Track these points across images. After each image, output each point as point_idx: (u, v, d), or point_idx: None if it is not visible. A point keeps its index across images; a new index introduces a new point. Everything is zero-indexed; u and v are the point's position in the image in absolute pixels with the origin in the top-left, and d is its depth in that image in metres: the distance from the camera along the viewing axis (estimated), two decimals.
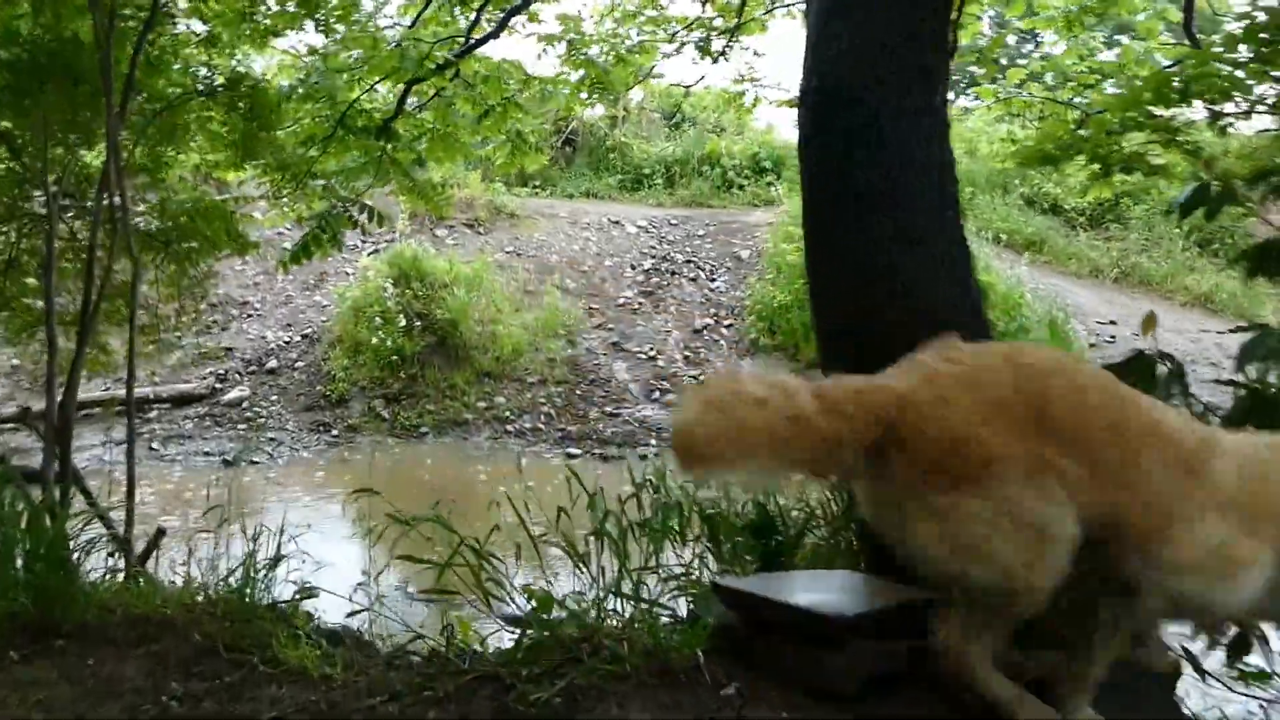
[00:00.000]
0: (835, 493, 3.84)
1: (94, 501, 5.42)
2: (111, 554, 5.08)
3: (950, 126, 3.67)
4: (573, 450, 13.29)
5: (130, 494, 5.57)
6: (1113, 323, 16.59)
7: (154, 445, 12.78)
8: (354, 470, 12.53)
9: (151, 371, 13.50)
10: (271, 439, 13.27)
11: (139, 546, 5.74)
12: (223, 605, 3.99)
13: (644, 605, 3.43)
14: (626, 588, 3.52)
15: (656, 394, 14.86)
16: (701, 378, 15.08)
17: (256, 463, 12.59)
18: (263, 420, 13.71)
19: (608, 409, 14.41)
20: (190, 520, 9.88)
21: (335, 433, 13.64)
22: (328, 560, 8.86)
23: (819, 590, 3.11)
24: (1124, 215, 19.82)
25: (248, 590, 4.17)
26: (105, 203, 5.77)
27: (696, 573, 3.77)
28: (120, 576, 5.15)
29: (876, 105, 3.44)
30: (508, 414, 14.17)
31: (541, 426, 14.00)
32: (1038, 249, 18.78)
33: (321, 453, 13.14)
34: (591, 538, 3.77)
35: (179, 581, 5.53)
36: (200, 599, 4.26)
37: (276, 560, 4.10)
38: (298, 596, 4.67)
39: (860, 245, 3.51)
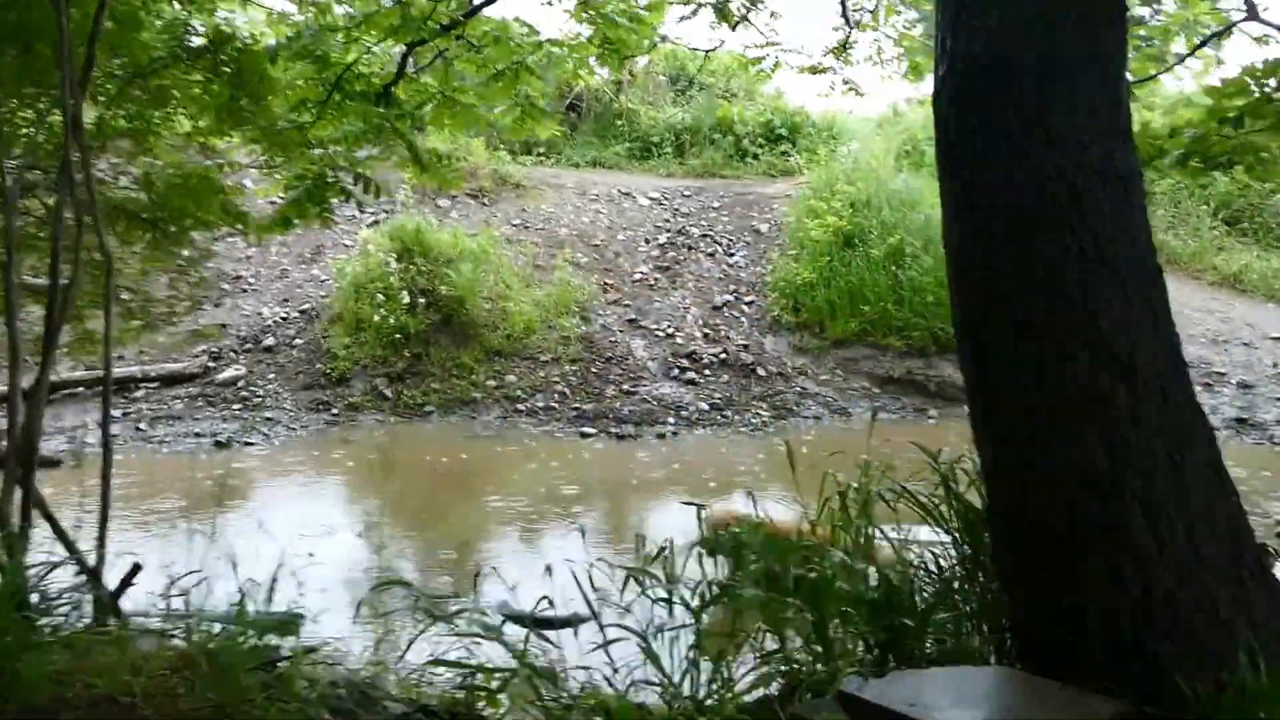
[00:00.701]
0: (969, 558, 3.09)
1: (63, 533, 4.66)
2: (78, 588, 4.37)
3: (1132, 121, 2.93)
4: (588, 429, 12.62)
5: (103, 521, 4.83)
6: None
7: (141, 426, 12.04)
8: (355, 450, 11.88)
9: (140, 349, 12.72)
10: (268, 419, 12.53)
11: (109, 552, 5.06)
12: (204, 667, 3.28)
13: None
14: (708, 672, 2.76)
15: (675, 371, 14.14)
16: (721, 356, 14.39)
17: (251, 444, 11.88)
18: (259, 400, 12.96)
19: (625, 387, 13.69)
20: (173, 511, 9.26)
21: (335, 412, 12.90)
22: (328, 561, 8.20)
23: (973, 701, 2.37)
24: (1149, 191, 18.98)
25: (235, 641, 3.47)
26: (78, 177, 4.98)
27: (793, 651, 3.00)
28: (88, 610, 4.48)
29: (1035, 93, 2.76)
30: (519, 393, 13.44)
31: (555, 405, 13.27)
32: None
33: (320, 432, 12.42)
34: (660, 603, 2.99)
35: (154, 619, 4.84)
36: (178, 649, 3.57)
37: (264, 632, 3.36)
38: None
39: (1016, 258, 2.85)
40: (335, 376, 13.36)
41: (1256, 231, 18.32)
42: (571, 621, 6.87)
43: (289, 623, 6.62)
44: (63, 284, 4.83)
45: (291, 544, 8.38)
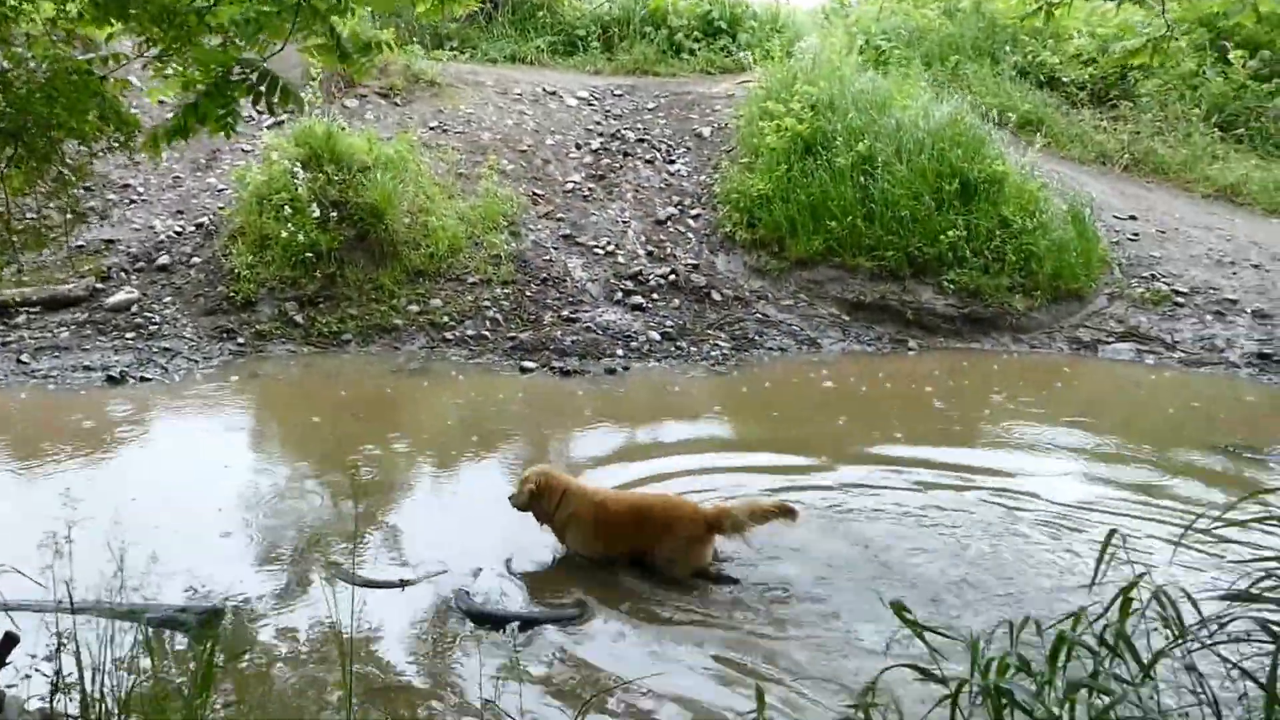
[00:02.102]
0: None
1: None
2: None
3: None
4: (527, 363, 12.79)
5: None
6: (1132, 218, 16.41)
7: (23, 359, 11.95)
8: (264, 386, 12.01)
9: (17, 269, 12.61)
10: (165, 349, 12.51)
11: None
12: None
13: None
14: None
15: (619, 295, 14.37)
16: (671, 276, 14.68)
17: (147, 378, 11.86)
18: (155, 327, 12.90)
19: (564, 313, 13.92)
20: (61, 462, 9.29)
21: (241, 341, 12.93)
22: (233, 524, 8.12)
23: None
24: (1132, 91, 19.48)
25: None
26: None
27: None
28: None
29: None
30: (446, 319, 13.61)
31: (487, 334, 13.46)
32: (1034, 129, 18.32)
33: (225, 364, 12.44)
34: None
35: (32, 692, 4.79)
36: None
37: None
38: None
39: None
40: (240, 300, 13.36)
41: (1254, 138, 18.72)
42: (541, 621, 6.73)
43: (210, 619, 6.46)
44: None
45: (193, 501, 8.44)
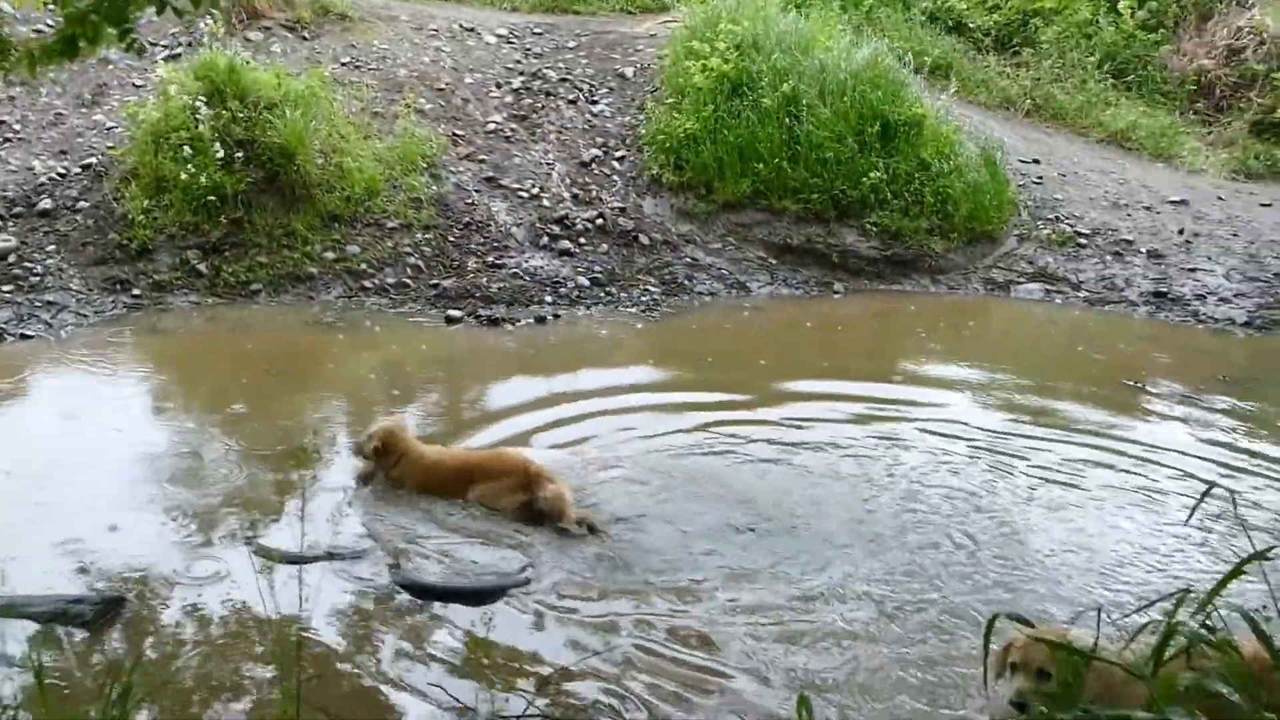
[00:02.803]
0: None
1: None
2: None
3: None
4: (453, 312, 10.80)
5: None
6: (1036, 161, 15.08)
7: None
8: (163, 342, 9.92)
9: None
10: (50, 302, 10.20)
11: None
12: None
13: None
14: None
15: (546, 240, 12.28)
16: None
17: (29, 336, 9.69)
18: (36, 278, 10.49)
19: (489, 259, 11.80)
20: None
21: (137, 292, 10.62)
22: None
23: None
24: (1033, 38, 17.92)
25: None
26: None
27: None
28: None
29: None
30: (364, 266, 11.38)
31: (409, 282, 11.32)
32: (944, 73, 16.64)
33: (119, 318, 10.25)
34: None
35: None
36: None
37: None
38: None
39: None
40: (135, 248, 10.91)
41: (1141, 85, 17.50)
42: (484, 594, 5.68)
43: (109, 610, 5.31)
44: None
45: (83, 473, 6.83)
